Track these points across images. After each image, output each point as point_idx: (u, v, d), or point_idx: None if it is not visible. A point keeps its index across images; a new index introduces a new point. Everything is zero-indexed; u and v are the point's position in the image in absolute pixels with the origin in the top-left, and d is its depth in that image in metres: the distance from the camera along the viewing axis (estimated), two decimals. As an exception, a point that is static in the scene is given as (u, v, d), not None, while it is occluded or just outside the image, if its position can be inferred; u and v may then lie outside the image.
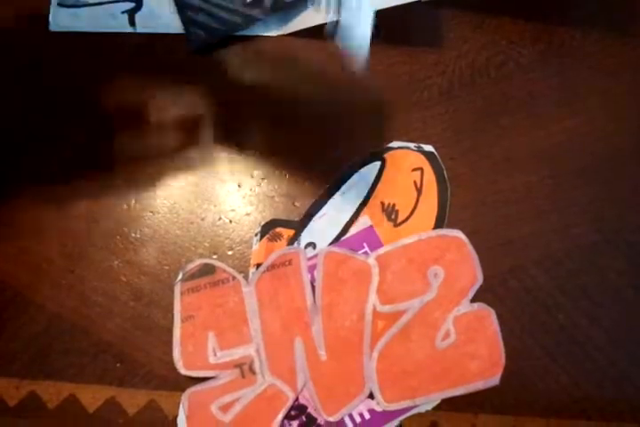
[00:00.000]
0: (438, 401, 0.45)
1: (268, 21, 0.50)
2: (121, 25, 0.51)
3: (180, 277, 0.46)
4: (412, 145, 0.49)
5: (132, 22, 0.51)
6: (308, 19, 0.50)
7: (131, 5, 0.51)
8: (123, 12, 0.51)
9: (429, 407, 0.44)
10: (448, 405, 0.45)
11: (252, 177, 0.49)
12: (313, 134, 0.49)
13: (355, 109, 0.50)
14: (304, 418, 0.44)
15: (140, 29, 0.51)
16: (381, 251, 0.46)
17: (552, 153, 0.49)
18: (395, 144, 0.49)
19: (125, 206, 0.48)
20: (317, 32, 0.50)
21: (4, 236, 0.48)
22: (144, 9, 0.51)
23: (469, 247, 0.47)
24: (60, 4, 0.51)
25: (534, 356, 0.45)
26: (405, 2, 0.48)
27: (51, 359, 0.46)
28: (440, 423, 0.44)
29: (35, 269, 0.47)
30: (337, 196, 0.48)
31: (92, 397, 0.45)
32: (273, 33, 0.51)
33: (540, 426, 0.45)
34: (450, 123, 0.50)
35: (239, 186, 0.48)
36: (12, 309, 0.46)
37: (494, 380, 0.45)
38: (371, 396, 0.45)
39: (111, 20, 0.51)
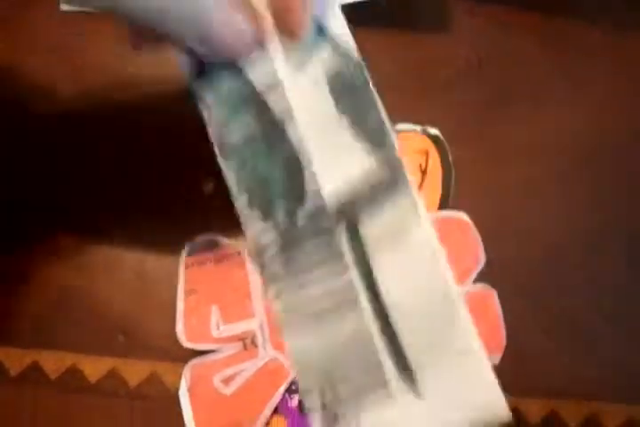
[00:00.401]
0: (439, 380, 0.44)
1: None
2: None
3: (184, 250, 0.46)
4: (417, 128, 0.49)
5: None
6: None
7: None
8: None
9: (430, 386, 0.44)
10: (448, 384, 0.45)
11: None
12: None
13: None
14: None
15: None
16: (385, 231, 0.47)
17: (556, 142, 0.50)
18: (401, 126, 0.49)
19: (131, 181, 0.48)
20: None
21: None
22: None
23: (473, 229, 0.47)
24: None
25: (535, 337, 0.46)
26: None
27: (54, 330, 0.46)
28: (440, 402, 0.44)
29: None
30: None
31: (94, 368, 0.45)
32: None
33: (540, 406, 0.45)
34: (456, 108, 0.50)
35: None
36: (19, 280, 0.46)
37: (495, 360, 0.45)
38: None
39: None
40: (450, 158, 0.48)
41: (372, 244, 0.29)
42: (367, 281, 0.29)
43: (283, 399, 0.44)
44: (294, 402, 0.44)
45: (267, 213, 0.30)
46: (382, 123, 0.31)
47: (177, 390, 0.44)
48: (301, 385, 0.29)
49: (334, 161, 0.29)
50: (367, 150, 0.30)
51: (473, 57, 0.51)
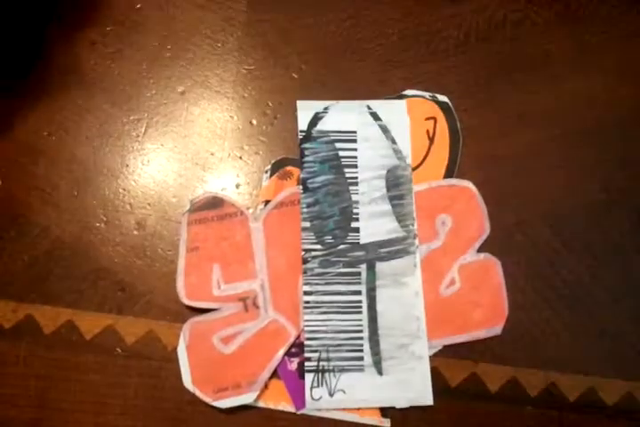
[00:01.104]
0: (440, 347, 0.44)
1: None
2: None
3: (187, 207, 0.45)
4: (426, 94, 0.49)
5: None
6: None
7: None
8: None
9: (431, 353, 0.44)
10: (449, 352, 0.45)
11: (265, 115, 0.48)
12: (326, 77, 0.49)
13: (369, 56, 0.49)
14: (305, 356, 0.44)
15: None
16: (391, 197, 0.48)
17: (564, 111, 0.49)
18: (409, 92, 0.49)
19: (135, 136, 0.47)
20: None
21: (10, 158, 0.47)
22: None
23: (479, 198, 0.47)
24: None
25: (536, 309, 0.46)
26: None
27: (50, 284, 0.44)
28: (440, 369, 0.44)
29: (39, 193, 0.46)
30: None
31: (89, 324, 0.44)
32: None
33: (539, 378, 0.45)
34: (464, 75, 0.50)
35: (251, 124, 0.48)
36: (13, 231, 0.45)
37: (496, 329, 0.45)
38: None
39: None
40: (458, 126, 0.48)
41: (380, 279, 0.45)
42: (370, 299, 0.45)
43: (282, 362, 0.43)
44: (293, 365, 0.43)
45: (319, 235, 0.46)
46: (411, 205, 0.47)
47: (174, 348, 0.43)
48: (308, 347, 0.44)
49: (371, 222, 0.46)
50: (396, 220, 0.46)
51: (483, 24, 0.51)
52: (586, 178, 0.48)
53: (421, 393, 0.44)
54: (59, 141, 0.47)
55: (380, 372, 0.44)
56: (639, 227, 0.47)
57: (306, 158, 0.47)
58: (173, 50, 0.49)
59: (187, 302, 0.43)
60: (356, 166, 0.47)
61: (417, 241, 0.46)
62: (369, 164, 0.47)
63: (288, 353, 0.44)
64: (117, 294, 0.44)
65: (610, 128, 0.49)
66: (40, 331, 0.44)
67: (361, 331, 0.44)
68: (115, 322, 0.44)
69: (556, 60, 0.51)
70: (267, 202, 0.46)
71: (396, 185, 0.46)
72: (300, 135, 0.47)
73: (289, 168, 0.47)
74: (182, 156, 0.47)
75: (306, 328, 0.44)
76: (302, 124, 0.47)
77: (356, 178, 0.47)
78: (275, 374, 0.43)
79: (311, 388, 0.43)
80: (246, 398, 0.42)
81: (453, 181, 0.47)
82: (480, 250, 0.46)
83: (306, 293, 0.45)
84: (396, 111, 0.48)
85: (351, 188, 0.46)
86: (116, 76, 0.49)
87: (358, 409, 0.43)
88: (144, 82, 0.49)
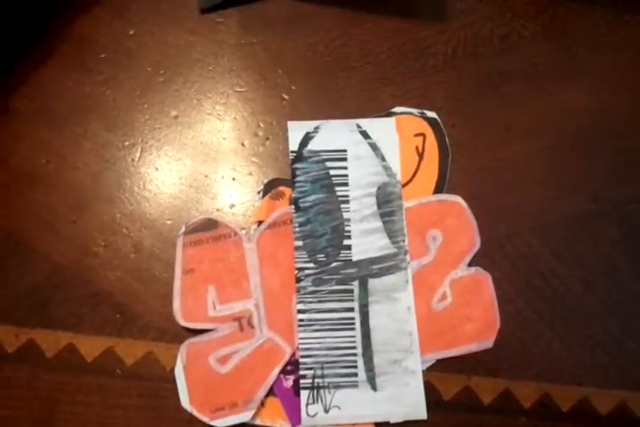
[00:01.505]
0: (433, 361, 0.45)
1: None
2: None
3: (182, 230, 0.46)
4: (415, 111, 0.49)
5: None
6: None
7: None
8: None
9: (424, 368, 0.45)
10: (442, 366, 0.45)
11: (257, 136, 0.49)
12: (316, 97, 0.50)
13: (358, 74, 0.50)
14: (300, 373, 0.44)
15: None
16: (382, 214, 0.49)
17: (551, 124, 0.50)
18: (398, 109, 0.50)
19: (130, 161, 0.49)
20: None
21: (9, 186, 0.48)
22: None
23: (468, 212, 0.47)
24: None
25: (529, 321, 0.46)
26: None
27: (51, 309, 0.46)
28: (434, 383, 0.45)
29: (38, 220, 0.47)
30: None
31: (90, 347, 0.45)
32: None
33: (532, 390, 0.45)
34: (452, 90, 0.50)
35: (243, 145, 0.49)
36: (15, 258, 0.46)
37: (488, 343, 0.45)
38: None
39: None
40: (447, 141, 0.48)
41: (373, 295, 0.46)
42: (363, 316, 0.46)
43: (278, 380, 0.44)
44: (289, 383, 0.44)
45: (312, 253, 0.47)
46: (402, 222, 0.47)
47: (172, 369, 0.44)
48: (303, 364, 0.45)
49: (363, 239, 0.47)
50: (387, 236, 0.47)
51: (470, 39, 0.51)
52: (575, 189, 0.48)
53: (415, 408, 0.44)
54: (56, 168, 0.48)
55: (374, 387, 0.44)
56: (629, 236, 0.48)
57: (297, 178, 0.48)
58: (166, 74, 0.50)
59: (183, 323, 0.44)
60: (346, 184, 0.47)
61: (408, 257, 0.47)
62: (359, 181, 0.48)
63: (283, 371, 0.45)
64: (116, 317, 0.45)
65: (598, 139, 0.50)
66: (42, 355, 0.45)
67: (354, 347, 0.45)
68: (114, 344, 0.45)
69: (543, 72, 0.51)
70: (260, 222, 0.47)
71: (386, 202, 0.47)
72: (292, 156, 0.48)
73: (281, 188, 0.48)
74: (177, 179, 0.48)
75: (300, 346, 0.45)
76: (293, 144, 0.48)
77: (347, 196, 0.47)
78: (271, 392, 0.44)
79: (307, 405, 0.44)
80: (243, 417, 0.43)
81: (443, 196, 0.48)
82: (471, 264, 0.47)
83: (300, 311, 0.45)
84: (385, 129, 0.49)
85: (342, 206, 0.47)
86: (111, 103, 0.50)
87: (354, 425, 0.44)
88: (138, 107, 0.50)
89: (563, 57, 0.51)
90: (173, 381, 0.44)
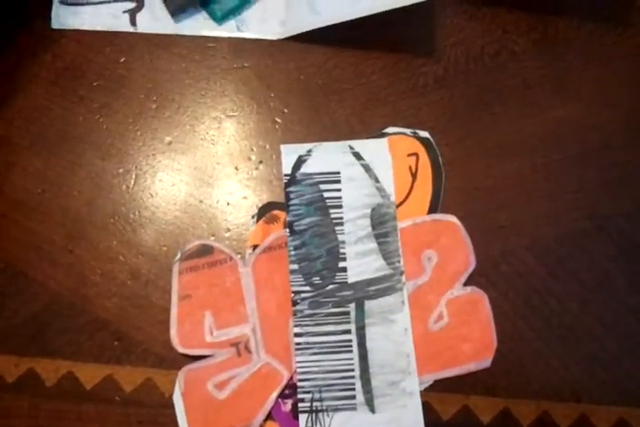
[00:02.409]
0: (431, 382, 0.45)
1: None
2: (122, 24, 0.52)
3: (178, 256, 0.47)
4: (407, 131, 0.50)
5: (132, 22, 0.52)
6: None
7: (132, 5, 0.52)
8: (124, 12, 0.52)
9: (421, 388, 0.45)
10: (440, 386, 0.45)
11: (250, 160, 0.49)
12: (309, 119, 0.50)
13: (349, 96, 0.50)
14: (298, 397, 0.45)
15: (140, 29, 0.52)
16: (376, 235, 0.49)
17: (545, 140, 0.50)
18: (390, 130, 0.50)
19: (125, 188, 0.49)
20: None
21: (5, 215, 0.48)
22: (145, 10, 0.52)
23: (463, 232, 0.48)
24: (62, 2, 0.52)
25: (526, 339, 0.46)
26: (415, 2, 0.48)
27: (49, 337, 0.46)
28: (432, 404, 0.45)
29: (35, 249, 0.48)
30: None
31: (89, 374, 0.45)
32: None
33: (531, 408, 0.45)
34: (445, 109, 0.51)
35: (237, 169, 0.49)
36: (12, 287, 0.47)
37: (486, 362, 0.45)
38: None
39: (112, 18, 0.52)
40: (440, 160, 0.49)
41: (369, 317, 0.46)
42: (360, 338, 0.46)
43: (276, 404, 0.44)
44: (287, 407, 0.45)
45: (308, 276, 0.47)
46: (397, 242, 0.48)
47: (171, 395, 0.44)
48: (301, 389, 0.45)
49: (358, 261, 0.47)
50: (382, 257, 0.47)
51: (461, 57, 0.51)
52: (570, 205, 0.49)
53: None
54: (51, 197, 0.49)
55: (372, 410, 0.45)
56: (625, 252, 0.48)
57: (291, 202, 0.48)
58: (159, 101, 0.51)
59: (181, 349, 0.45)
60: (340, 207, 0.48)
61: (404, 278, 0.47)
62: (353, 203, 0.48)
63: (281, 395, 0.45)
64: (115, 344, 0.46)
65: (593, 153, 0.50)
66: (42, 383, 0.45)
67: (352, 370, 0.45)
68: (113, 372, 0.45)
69: (535, 88, 0.51)
70: (255, 246, 0.47)
71: (380, 223, 0.47)
72: (285, 179, 0.48)
73: (275, 212, 0.48)
74: (171, 204, 0.48)
75: (298, 370, 0.45)
76: (286, 167, 0.49)
77: (342, 218, 0.48)
78: (269, 417, 0.44)
79: (306, 429, 0.44)
80: (242, 442, 0.44)
81: (437, 216, 0.48)
82: (467, 283, 0.47)
83: (296, 334, 0.46)
84: (377, 150, 0.49)
85: (337, 228, 0.47)
86: (104, 131, 0.50)
87: (353, 447, 0.44)
88: (131, 135, 0.50)
89: (554, 72, 0.51)
90: (172, 407, 0.44)
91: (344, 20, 0.48)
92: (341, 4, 0.48)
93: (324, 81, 0.51)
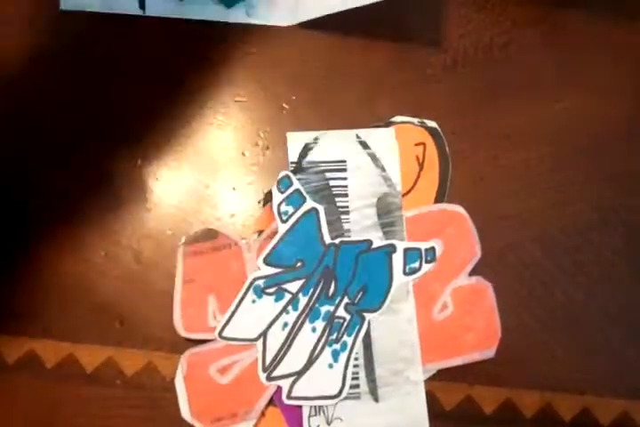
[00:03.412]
0: (434, 371, 0.45)
1: None
2: (132, 7, 0.51)
3: (182, 240, 0.46)
4: (415, 120, 0.49)
5: (142, 6, 0.51)
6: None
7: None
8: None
9: (425, 377, 0.45)
10: (444, 375, 0.45)
11: (257, 146, 0.49)
12: (316, 106, 0.50)
13: (357, 84, 0.50)
14: (301, 384, 0.44)
15: (149, 13, 0.51)
16: (382, 224, 0.49)
17: (552, 132, 0.50)
18: (398, 119, 0.50)
19: (131, 166, 0.48)
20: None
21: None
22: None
23: (469, 222, 0.47)
24: None
25: (530, 330, 0.46)
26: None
27: (50, 318, 0.46)
28: (435, 393, 0.45)
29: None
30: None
31: (90, 357, 0.45)
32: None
33: (534, 399, 0.45)
34: (452, 99, 0.50)
35: (243, 154, 0.49)
36: (14, 267, 0.46)
37: (490, 352, 0.45)
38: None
39: (121, 1, 0.51)
40: (447, 150, 0.48)
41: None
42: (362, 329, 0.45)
43: (278, 390, 0.44)
44: (290, 393, 0.44)
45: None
46: (403, 232, 0.48)
47: (173, 379, 0.44)
48: None
49: None
50: None
51: (470, 48, 0.51)
52: (576, 197, 0.49)
53: (417, 418, 0.44)
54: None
55: (376, 399, 0.44)
56: (631, 244, 0.48)
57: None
58: (166, 83, 0.50)
59: (184, 333, 0.45)
60: (346, 195, 0.47)
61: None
62: (359, 192, 0.48)
63: (284, 381, 0.44)
64: (116, 327, 0.45)
65: (599, 146, 0.50)
66: (42, 365, 0.45)
67: (356, 358, 0.45)
68: (114, 355, 0.45)
69: (543, 80, 0.51)
70: (260, 232, 0.47)
71: (386, 212, 0.47)
72: (291, 167, 0.48)
73: (281, 198, 0.48)
74: (176, 189, 0.48)
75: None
76: (292, 155, 0.48)
77: (347, 207, 0.47)
78: (272, 403, 0.44)
79: (309, 417, 0.44)
80: (243, 428, 0.43)
81: (444, 205, 0.48)
82: (472, 273, 0.47)
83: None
84: (384, 139, 0.49)
85: (342, 217, 0.47)
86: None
87: (355, 436, 0.44)
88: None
89: (563, 64, 0.51)
90: (174, 391, 0.44)
91: (354, 6, 0.47)
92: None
93: (332, 69, 0.51)
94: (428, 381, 0.45)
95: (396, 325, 0.46)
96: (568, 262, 0.47)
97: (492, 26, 0.52)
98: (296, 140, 0.48)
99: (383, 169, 0.48)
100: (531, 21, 0.52)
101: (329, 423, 0.44)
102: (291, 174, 0.48)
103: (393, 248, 0.46)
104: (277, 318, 0.45)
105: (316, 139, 0.48)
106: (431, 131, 0.49)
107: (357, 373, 0.45)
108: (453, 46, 0.51)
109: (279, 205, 0.47)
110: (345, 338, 0.45)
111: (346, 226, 0.46)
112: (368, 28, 0.51)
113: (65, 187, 0.48)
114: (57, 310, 0.46)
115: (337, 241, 0.46)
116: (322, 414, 0.44)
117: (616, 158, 0.49)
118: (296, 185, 0.47)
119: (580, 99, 0.50)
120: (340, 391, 0.44)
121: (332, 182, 0.47)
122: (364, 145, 0.48)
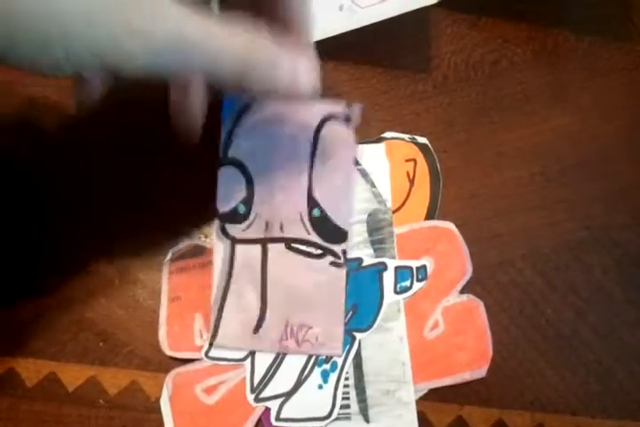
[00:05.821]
0: (425, 391, 0.44)
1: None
2: None
3: (168, 257, 0.45)
4: (405, 136, 0.49)
5: None
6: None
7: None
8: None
9: (416, 397, 0.44)
10: (434, 395, 0.44)
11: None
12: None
13: (349, 99, 0.50)
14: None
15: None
16: (373, 240, 0.48)
17: (543, 150, 0.50)
18: (388, 134, 0.49)
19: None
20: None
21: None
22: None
23: (460, 239, 0.47)
24: None
25: (521, 349, 0.46)
26: (420, 6, 0.47)
27: (31, 336, 0.44)
28: (426, 414, 0.44)
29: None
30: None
31: (72, 375, 0.44)
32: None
33: (525, 419, 0.44)
34: (443, 116, 0.50)
35: (232, 171, 0.48)
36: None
37: (481, 372, 0.45)
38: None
39: None
40: (438, 167, 0.48)
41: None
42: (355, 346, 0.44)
43: (266, 412, 0.43)
44: (277, 414, 0.43)
45: None
46: (393, 249, 0.47)
47: (157, 399, 0.43)
48: None
49: None
50: None
51: (461, 64, 0.51)
52: (567, 216, 0.48)
53: None
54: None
55: (366, 419, 0.44)
56: (622, 263, 0.48)
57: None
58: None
59: (169, 352, 0.43)
60: None
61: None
62: None
63: (272, 401, 0.43)
64: (99, 345, 0.44)
65: (590, 165, 0.50)
66: (22, 384, 0.44)
67: (347, 378, 0.44)
68: (97, 373, 0.44)
69: (534, 98, 0.51)
70: (248, 248, 0.46)
71: (377, 229, 0.46)
72: (282, 182, 0.47)
73: (269, 215, 0.47)
74: (163, 204, 0.47)
75: (290, 376, 0.43)
76: (283, 170, 0.47)
77: None
78: (259, 424, 0.43)
79: (297, 437, 0.42)
80: (230, 449, 0.42)
81: (435, 222, 0.47)
82: (463, 291, 0.46)
83: (288, 342, 0.44)
84: (374, 155, 0.48)
85: None
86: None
87: (346, 458, 0.43)
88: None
89: (554, 83, 0.51)
90: (158, 411, 0.43)
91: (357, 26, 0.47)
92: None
93: (323, 83, 0.50)
94: (418, 401, 0.44)
95: (388, 344, 0.45)
96: (559, 281, 0.47)
97: (483, 43, 0.52)
98: None
99: (373, 185, 0.47)
100: (522, 39, 0.52)
101: None
102: None
103: (384, 266, 0.45)
104: (266, 336, 0.44)
105: None
106: (422, 147, 0.49)
107: (348, 393, 0.44)
108: (445, 63, 0.51)
109: (268, 220, 0.46)
110: (335, 358, 0.44)
111: None
112: (360, 44, 0.51)
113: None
114: (38, 328, 0.44)
115: (327, 259, 0.45)
116: (311, 435, 0.42)
117: (606, 177, 0.49)
118: None
119: (570, 118, 0.50)
120: (331, 413, 0.43)
121: None
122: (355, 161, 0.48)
